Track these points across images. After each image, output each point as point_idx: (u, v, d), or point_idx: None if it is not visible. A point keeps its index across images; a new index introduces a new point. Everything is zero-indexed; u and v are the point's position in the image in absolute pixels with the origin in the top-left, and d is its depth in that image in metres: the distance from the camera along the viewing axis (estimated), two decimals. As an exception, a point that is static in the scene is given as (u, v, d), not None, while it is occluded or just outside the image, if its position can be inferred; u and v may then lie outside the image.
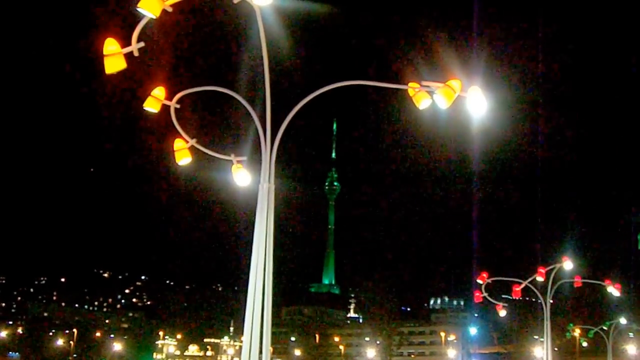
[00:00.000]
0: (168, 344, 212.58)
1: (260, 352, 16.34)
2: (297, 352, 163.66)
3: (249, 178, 17.44)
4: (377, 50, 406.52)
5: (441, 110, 14.72)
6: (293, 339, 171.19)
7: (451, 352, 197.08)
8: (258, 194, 16.67)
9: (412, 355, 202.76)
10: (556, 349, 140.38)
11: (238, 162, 17.75)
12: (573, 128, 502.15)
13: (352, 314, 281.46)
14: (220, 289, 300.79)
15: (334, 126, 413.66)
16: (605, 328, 68.96)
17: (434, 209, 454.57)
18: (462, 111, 14.85)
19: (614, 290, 41.59)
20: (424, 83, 14.68)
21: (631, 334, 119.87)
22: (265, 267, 16.29)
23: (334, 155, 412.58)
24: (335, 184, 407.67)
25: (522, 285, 40.19)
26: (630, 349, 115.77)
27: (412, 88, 14.80)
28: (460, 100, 14.59)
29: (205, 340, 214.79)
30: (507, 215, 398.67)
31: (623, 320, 68.90)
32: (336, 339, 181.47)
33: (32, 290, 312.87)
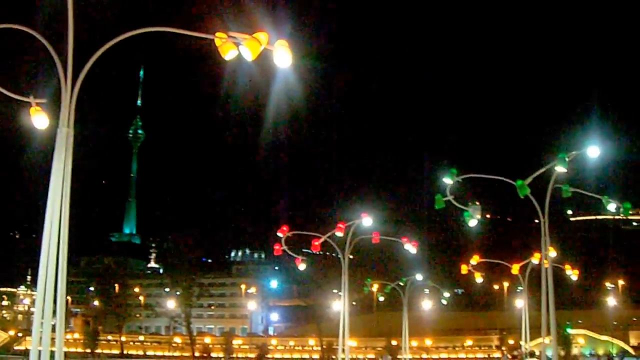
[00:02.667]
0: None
1: (55, 301, 15.91)
2: (96, 302, 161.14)
3: (47, 121, 16.85)
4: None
5: (248, 61, 14.65)
6: (92, 288, 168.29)
7: (251, 304, 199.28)
8: (56, 138, 16.10)
9: (212, 307, 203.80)
10: (354, 302, 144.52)
11: (37, 104, 17.08)
12: (377, 83, 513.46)
13: (152, 264, 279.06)
14: (17, 236, 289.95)
15: (141, 73, 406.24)
16: (401, 284, 71.22)
17: (236, 161, 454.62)
18: (268, 64, 14.83)
19: (410, 248, 42.73)
20: (231, 34, 14.53)
21: (426, 290, 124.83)
22: (61, 214, 15.81)
23: (139, 102, 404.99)
24: (140, 132, 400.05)
25: (322, 240, 40.80)
26: (425, 304, 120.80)
27: (219, 38, 14.63)
28: (267, 52, 14.56)
29: (1, 289, 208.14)
30: (310, 170, 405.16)
31: (419, 277, 71.36)
32: (136, 289, 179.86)
33: None
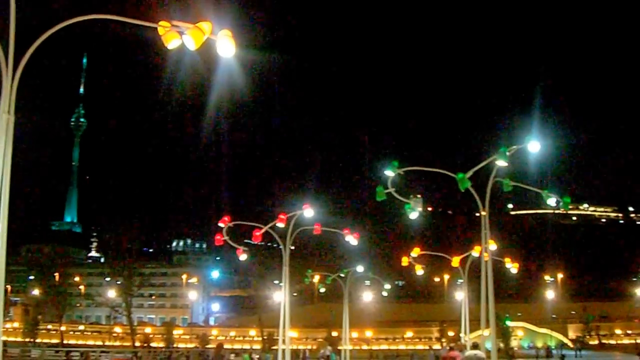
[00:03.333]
0: None
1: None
2: (36, 291, 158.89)
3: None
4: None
5: (191, 51, 14.50)
6: (32, 277, 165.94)
7: (192, 295, 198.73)
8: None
9: (153, 297, 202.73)
10: (295, 293, 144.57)
11: (-24, 90, 16.69)
12: (322, 75, 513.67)
13: (93, 254, 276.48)
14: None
15: (84, 61, 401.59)
16: (342, 275, 71.26)
17: (180, 151, 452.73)
18: (211, 53, 14.69)
19: (351, 239, 42.77)
20: (175, 23, 14.37)
21: (367, 282, 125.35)
22: (0, 202, 15.51)
23: (82, 90, 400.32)
24: (82, 120, 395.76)
25: (263, 231, 40.64)
26: (366, 295, 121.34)
27: (162, 27, 14.46)
28: (210, 42, 14.43)
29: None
30: (252, 161, 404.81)
31: (360, 268, 71.42)
32: (76, 278, 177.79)
33: None
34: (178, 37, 14.32)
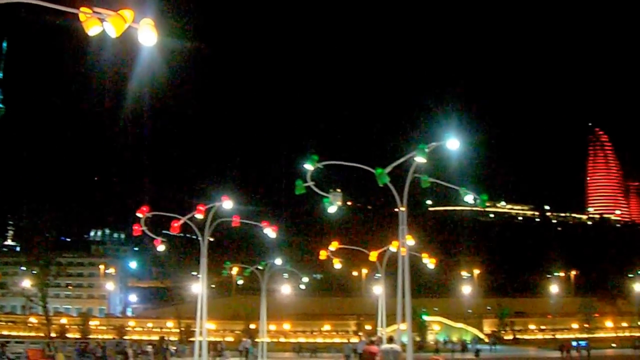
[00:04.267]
0: None
1: None
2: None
3: None
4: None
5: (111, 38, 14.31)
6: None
7: (109, 285, 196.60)
8: None
9: (70, 287, 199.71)
10: (213, 285, 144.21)
11: None
12: (244, 66, 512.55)
13: (9, 242, 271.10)
14: None
15: (4, 45, 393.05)
16: (260, 267, 71.34)
17: (100, 140, 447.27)
18: (133, 41, 14.54)
19: (270, 232, 42.86)
20: (96, 9, 14.17)
21: (285, 275, 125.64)
22: None
23: (1, 75, 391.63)
24: (0, 105, 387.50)
25: (181, 222, 40.46)
26: (284, 288, 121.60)
27: (83, 13, 14.24)
28: (132, 30, 14.27)
29: None
30: (172, 151, 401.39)
31: (278, 261, 71.61)
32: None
33: None
34: (99, 24, 14.11)
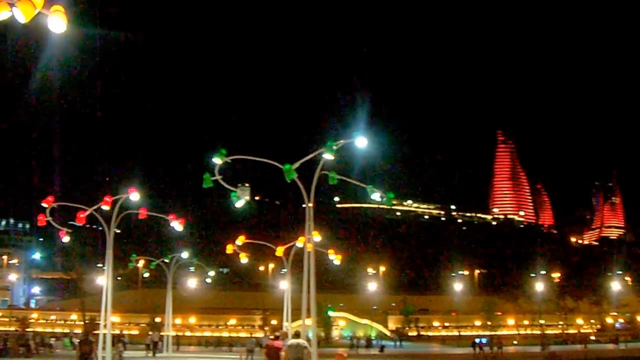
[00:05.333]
0: None
1: None
2: None
3: None
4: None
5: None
6: None
7: (12, 276, 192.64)
8: None
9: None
10: (119, 278, 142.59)
11: None
12: (155, 56, 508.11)
13: None
14: None
15: None
16: (167, 260, 71.01)
17: (6, 127, 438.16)
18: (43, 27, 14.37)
19: (176, 225, 42.73)
20: (5, -6, 13.96)
21: (192, 268, 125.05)
22: None
23: None
24: None
25: (87, 213, 40.04)
26: (190, 281, 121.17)
27: (-6, -2, 14.02)
28: (42, 16, 14.12)
29: None
30: (81, 140, 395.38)
31: (184, 254, 71.31)
32: None
33: None
34: (8, 9, 13.92)
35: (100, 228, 44.50)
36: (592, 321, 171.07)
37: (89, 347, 34.30)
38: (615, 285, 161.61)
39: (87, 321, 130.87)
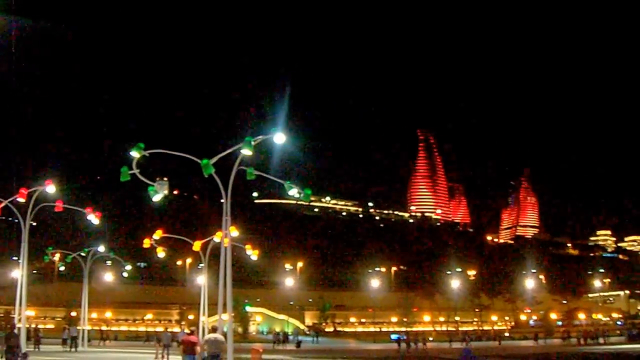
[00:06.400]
0: None
1: None
2: None
3: None
4: None
5: None
6: None
7: None
8: None
9: None
10: (35, 271, 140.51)
11: None
12: (87, 46, 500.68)
13: None
14: None
15: None
16: (83, 254, 70.31)
17: None
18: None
19: (93, 218, 42.44)
20: None
21: (108, 262, 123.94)
22: None
23: None
24: None
25: (2, 205, 39.69)
26: (107, 276, 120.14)
27: None
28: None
29: None
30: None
31: (101, 248, 70.65)
32: None
33: None
34: None
35: (16, 220, 44.04)
36: (507, 318, 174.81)
37: (15, 341, 34.04)
38: (530, 283, 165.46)
39: (1, 315, 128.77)
